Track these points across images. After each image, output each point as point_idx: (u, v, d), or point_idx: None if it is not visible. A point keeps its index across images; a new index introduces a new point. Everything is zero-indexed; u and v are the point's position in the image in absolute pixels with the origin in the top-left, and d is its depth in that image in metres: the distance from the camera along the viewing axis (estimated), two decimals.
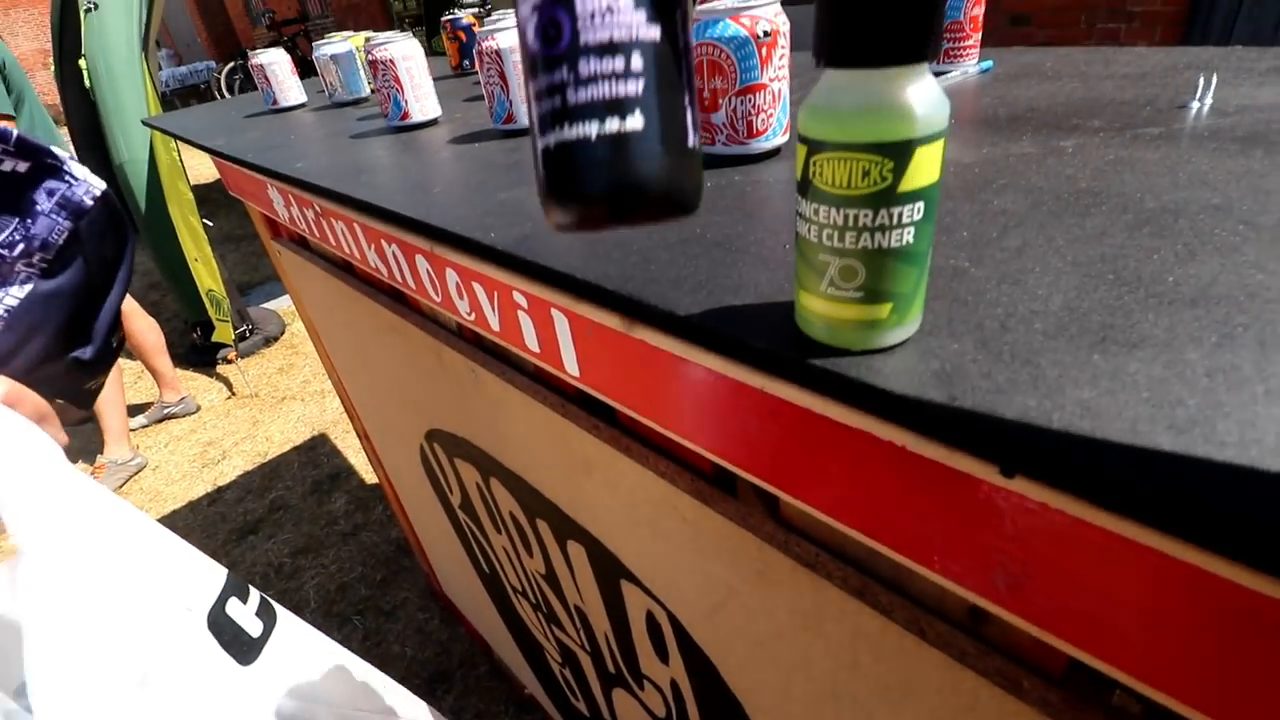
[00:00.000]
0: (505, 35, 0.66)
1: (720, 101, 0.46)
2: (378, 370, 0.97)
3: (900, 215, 0.22)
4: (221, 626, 0.46)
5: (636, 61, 0.16)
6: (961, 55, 0.63)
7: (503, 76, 0.67)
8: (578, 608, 0.79)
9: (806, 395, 0.27)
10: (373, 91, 1.10)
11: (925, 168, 0.22)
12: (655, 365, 0.35)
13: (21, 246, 0.30)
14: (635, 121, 0.16)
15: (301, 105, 1.14)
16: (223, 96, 6.57)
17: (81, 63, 2.53)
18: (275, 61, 1.11)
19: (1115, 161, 0.40)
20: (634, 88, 0.16)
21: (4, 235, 0.29)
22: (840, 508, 0.30)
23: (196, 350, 2.90)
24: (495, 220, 0.46)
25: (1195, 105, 0.48)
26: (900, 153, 0.21)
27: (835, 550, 0.38)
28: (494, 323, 0.48)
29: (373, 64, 0.77)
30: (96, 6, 2.46)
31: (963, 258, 0.31)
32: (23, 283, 0.31)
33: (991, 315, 0.27)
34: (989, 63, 0.65)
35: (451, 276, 0.50)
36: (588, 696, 0.99)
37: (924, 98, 0.21)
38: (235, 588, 0.48)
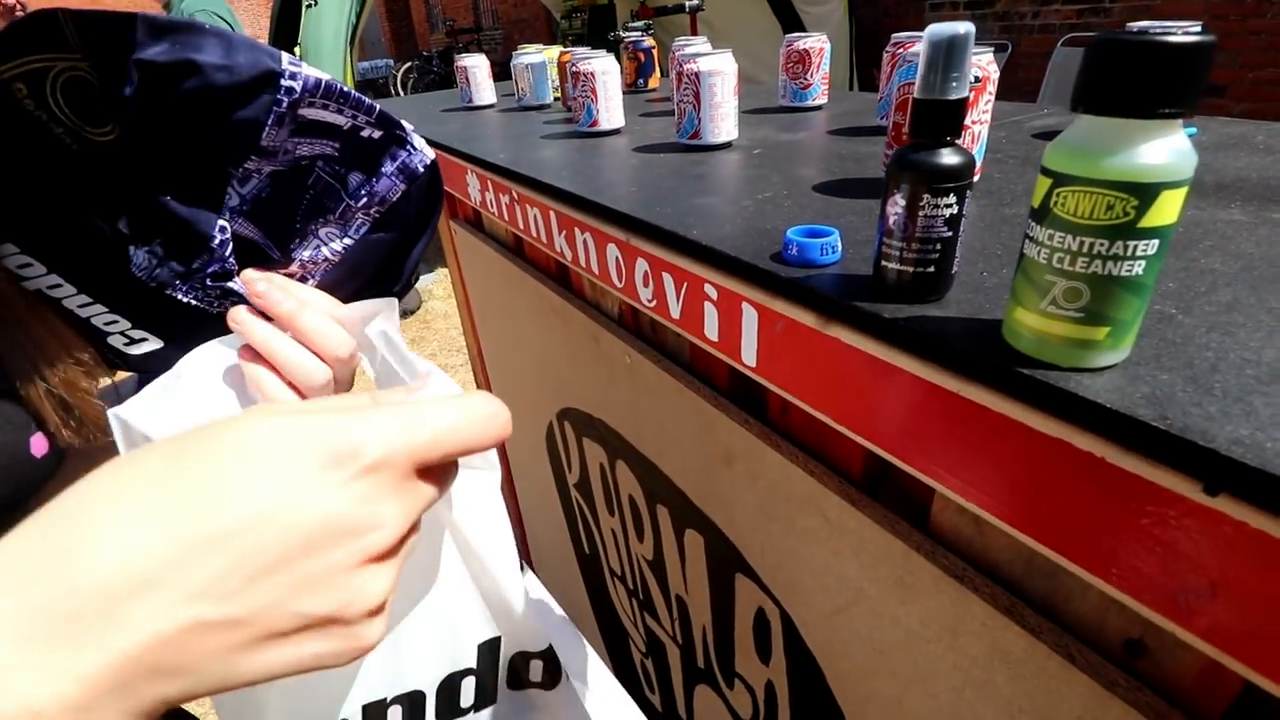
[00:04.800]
0: (705, 60, 0.72)
1: None
2: (525, 346, 1.06)
3: (1136, 249, 0.25)
4: None
5: (939, 246, 0.34)
6: None
7: (697, 97, 0.73)
8: (679, 597, 0.83)
9: (1004, 401, 0.30)
10: (557, 99, 1.21)
11: (1167, 209, 0.24)
12: (844, 362, 0.39)
13: (365, 199, 0.38)
14: (932, 269, 0.34)
15: (491, 105, 1.27)
16: (397, 93, 7.22)
17: (296, 51, 2.89)
18: (477, 65, 1.25)
19: None
20: (935, 255, 0.34)
21: (356, 188, 0.37)
22: (1019, 515, 0.32)
23: None
24: (694, 220, 0.51)
25: None
26: (1147, 193, 0.24)
27: (984, 569, 0.39)
28: (675, 311, 0.54)
29: (575, 75, 0.86)
30: (316, 3, 2.82)
31: (1169, 305, 0.33)
32: (358, 229, 0.39)
33: (1201, 357, 0.28)
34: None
35: (641, 265, 0.56)
36: (666, 691, 1.02)
37: (1176, 147, 0.24)
38: None
